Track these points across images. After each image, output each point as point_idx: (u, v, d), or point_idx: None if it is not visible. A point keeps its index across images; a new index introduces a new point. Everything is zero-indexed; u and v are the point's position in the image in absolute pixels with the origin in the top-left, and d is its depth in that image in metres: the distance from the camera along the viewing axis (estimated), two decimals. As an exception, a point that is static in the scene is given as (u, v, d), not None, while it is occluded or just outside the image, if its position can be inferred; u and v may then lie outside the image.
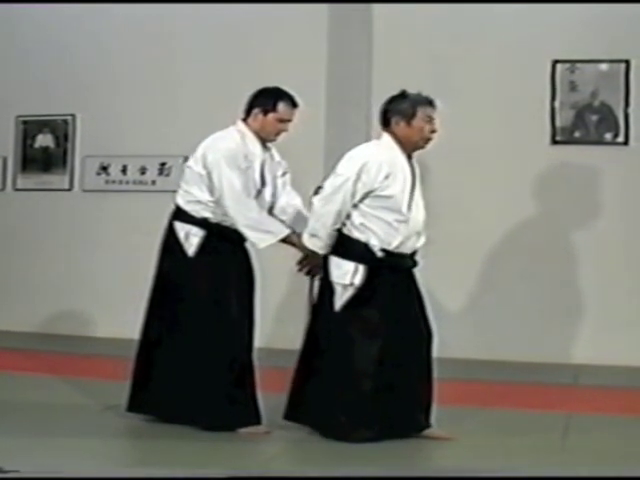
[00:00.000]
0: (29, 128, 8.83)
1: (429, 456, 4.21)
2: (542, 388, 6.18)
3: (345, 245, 4.34)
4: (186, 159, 7.69)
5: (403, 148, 4.39)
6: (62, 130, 8.73)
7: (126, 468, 3.82)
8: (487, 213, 7.53)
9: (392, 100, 4.44)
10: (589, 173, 7.47)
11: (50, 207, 8.74)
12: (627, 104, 7.47)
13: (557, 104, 7.60)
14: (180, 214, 4.68)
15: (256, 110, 4.66)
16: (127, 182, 8.55)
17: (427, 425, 4.47)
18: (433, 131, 4.40)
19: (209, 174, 4.55)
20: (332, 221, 4.30)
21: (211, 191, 4.57)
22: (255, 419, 4.55)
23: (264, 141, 4.70)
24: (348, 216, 4.35)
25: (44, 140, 8.78)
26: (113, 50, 8.54)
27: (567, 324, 7.45)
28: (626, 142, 7.48)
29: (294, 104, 4.68)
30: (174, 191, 7.69)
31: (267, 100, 4.65)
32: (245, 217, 4.51)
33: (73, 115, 8.68)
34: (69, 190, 8.74)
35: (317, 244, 4.38)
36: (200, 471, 3.78)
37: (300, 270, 4.62)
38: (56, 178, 8.74)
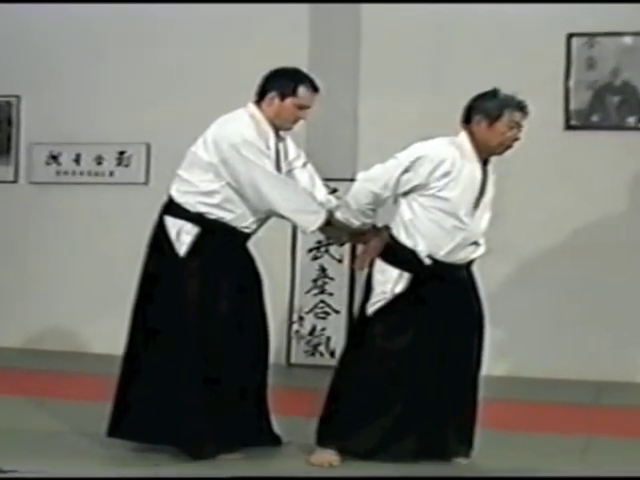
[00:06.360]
0: (-33, 112, 8.86)
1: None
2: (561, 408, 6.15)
3: (392, 249, 4.31)
4: (148, 147, 8.17)
5: (478, 151, 4.33)
6: (5, 113, 8.53)
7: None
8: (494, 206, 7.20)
9: (480, 97, 4.36)
10: (608, 162, 7.20)
11: (-8, 201, 8.74)
12: (654, 83, 7.42)
13: (572, 84, 7.34)
14: (172, 208, 4.39)
15: (272, 94, 4.38)
16: (81, 173, 8.33)
17: (460, 453, 4.40)
18: (516, 139, 4.35)
19: (224, 162, 4.28)
20: (367, 200, 4.33)
21: (223, 181, 4.33)
22: (225, 447, 4.30)
23: (278, 129, 4.46)
24: (398, 209, 4.36)
25: (-16, 125, 8.84)
26: (64, 24, 8.26)
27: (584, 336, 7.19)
28: (651, 127, 7.43)
29: (315, 88, 4.45)
30: (135, 183, 8.05)
31: (285, 83, 4.39)
32: (291, 200, 4.34)
33: (18, 96, 8.46)
34: (14, 182, 8.53)
35: (345, 214, 4.40)
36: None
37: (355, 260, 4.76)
38: (-1, 168, 8.78)
